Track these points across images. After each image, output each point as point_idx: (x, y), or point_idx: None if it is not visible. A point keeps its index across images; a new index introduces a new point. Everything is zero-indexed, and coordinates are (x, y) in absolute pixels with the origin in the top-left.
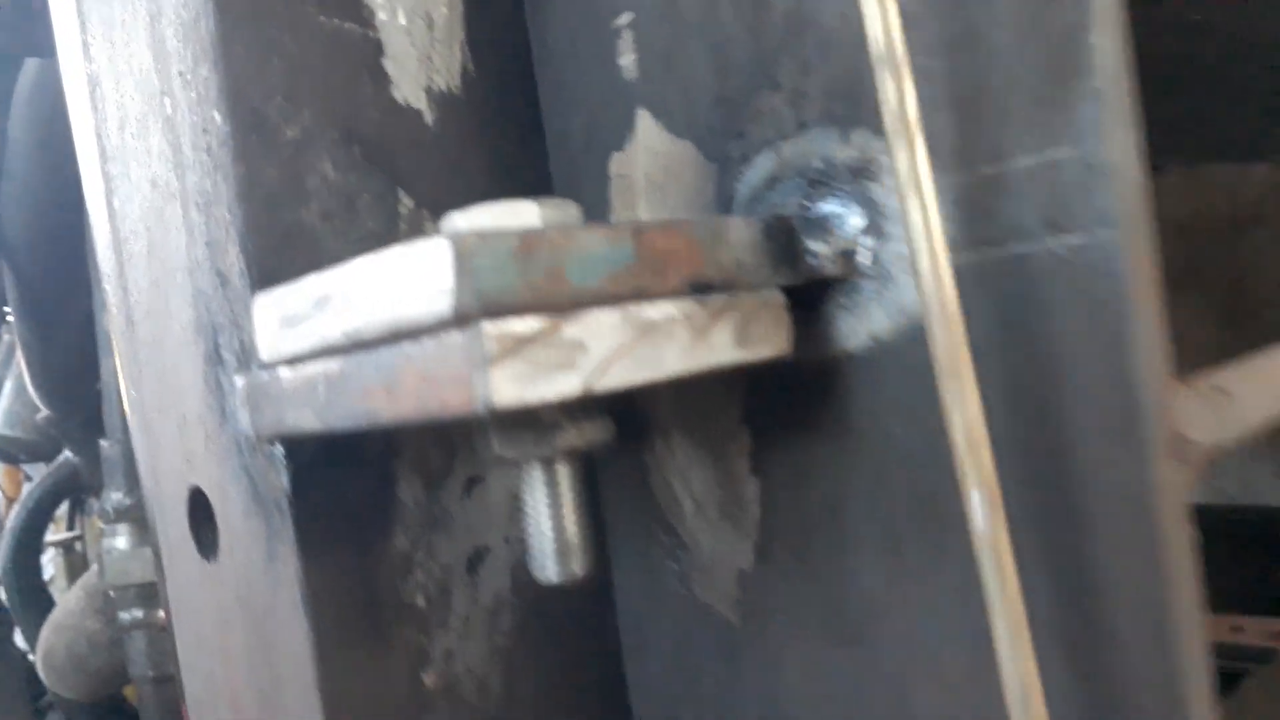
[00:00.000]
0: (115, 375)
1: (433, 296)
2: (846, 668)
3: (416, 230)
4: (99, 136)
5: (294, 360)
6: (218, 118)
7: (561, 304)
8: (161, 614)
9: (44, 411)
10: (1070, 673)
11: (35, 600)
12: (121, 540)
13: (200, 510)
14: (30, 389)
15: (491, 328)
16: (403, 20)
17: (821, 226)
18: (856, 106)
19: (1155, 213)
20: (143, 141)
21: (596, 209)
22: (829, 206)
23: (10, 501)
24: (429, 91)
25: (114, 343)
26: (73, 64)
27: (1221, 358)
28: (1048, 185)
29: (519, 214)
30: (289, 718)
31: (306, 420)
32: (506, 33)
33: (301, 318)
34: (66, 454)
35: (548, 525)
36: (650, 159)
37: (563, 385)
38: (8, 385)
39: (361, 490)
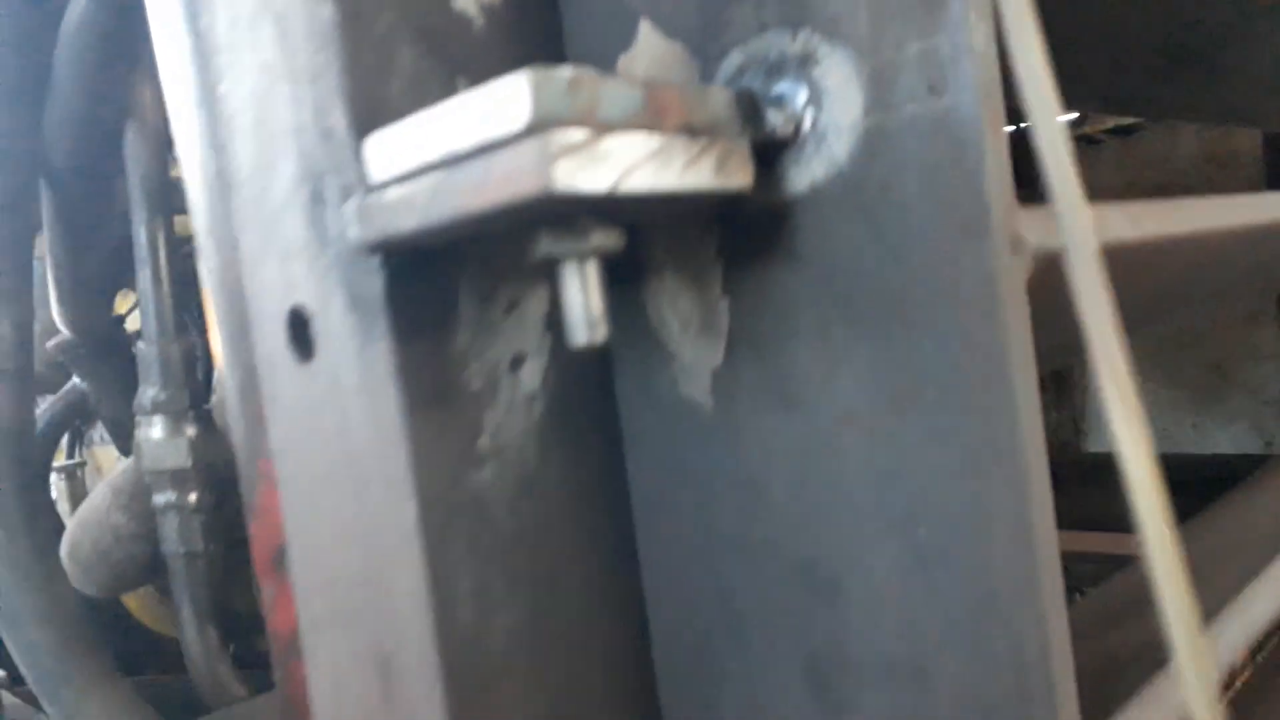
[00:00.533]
0: (152, 284)
1: (513, 116)
2: (790, 428)
3: None
4: (202, 36)
5: (400, 179)
6: (326, 12)
7: (596, 127)
8: (193, 496)
9: (53, 339)
10: (910, 417)
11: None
12: (157, 430)
13: (298, 324)
14: (54, 309)
15: (552, 136)
16: None
17: (777, 102)
18: (804, 11)
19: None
20: (253, 34)
21: None
22: (781, 87)
23: None
24: (480, 5)
25: (198, 219)
26: None
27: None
28: (931, 63)
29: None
30: (378, 472)
31: (408, 223)
32: None
33: (407, 147)
34: (74, 381)
35: (579, 305)
36: (649, 57)
37: (598, 181)
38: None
39: (433, 298)
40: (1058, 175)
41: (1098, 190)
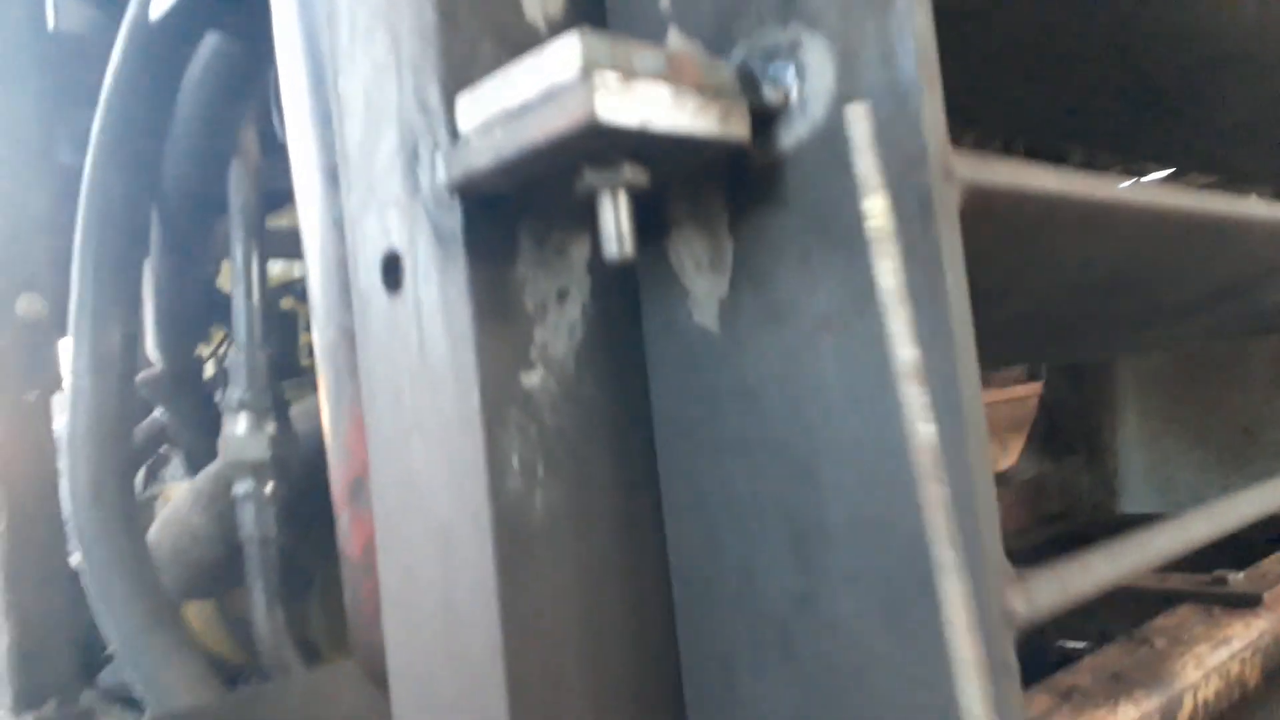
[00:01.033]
0: (244, 299)
1: (568, 64)
2: (780, 339)
3: None
4: (321, 48)
5: (481, 128)
6: (430, 16)
7: (630, 76)
8: (269, 487)
9: (141, 375)
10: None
11: None
12: (241, 426)
13: (390, 263)
14: (150, 336)
15: (597, 78)
16: None
17: (772, 79)
18: (791, 7)
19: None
20: (368, 38)
21: None
22: (775, 68)
23: None
24: (544, 16)
25: (307, 200)
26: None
27: None
28: (884, 40)
29: None
30: (449, 372)
31: (486, 160)
32: None
33: (487, 100)
34: (154, 414)
35: (613, 226)
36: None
37: (630, 117)
38: None
39: (499, 235)
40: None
41: None
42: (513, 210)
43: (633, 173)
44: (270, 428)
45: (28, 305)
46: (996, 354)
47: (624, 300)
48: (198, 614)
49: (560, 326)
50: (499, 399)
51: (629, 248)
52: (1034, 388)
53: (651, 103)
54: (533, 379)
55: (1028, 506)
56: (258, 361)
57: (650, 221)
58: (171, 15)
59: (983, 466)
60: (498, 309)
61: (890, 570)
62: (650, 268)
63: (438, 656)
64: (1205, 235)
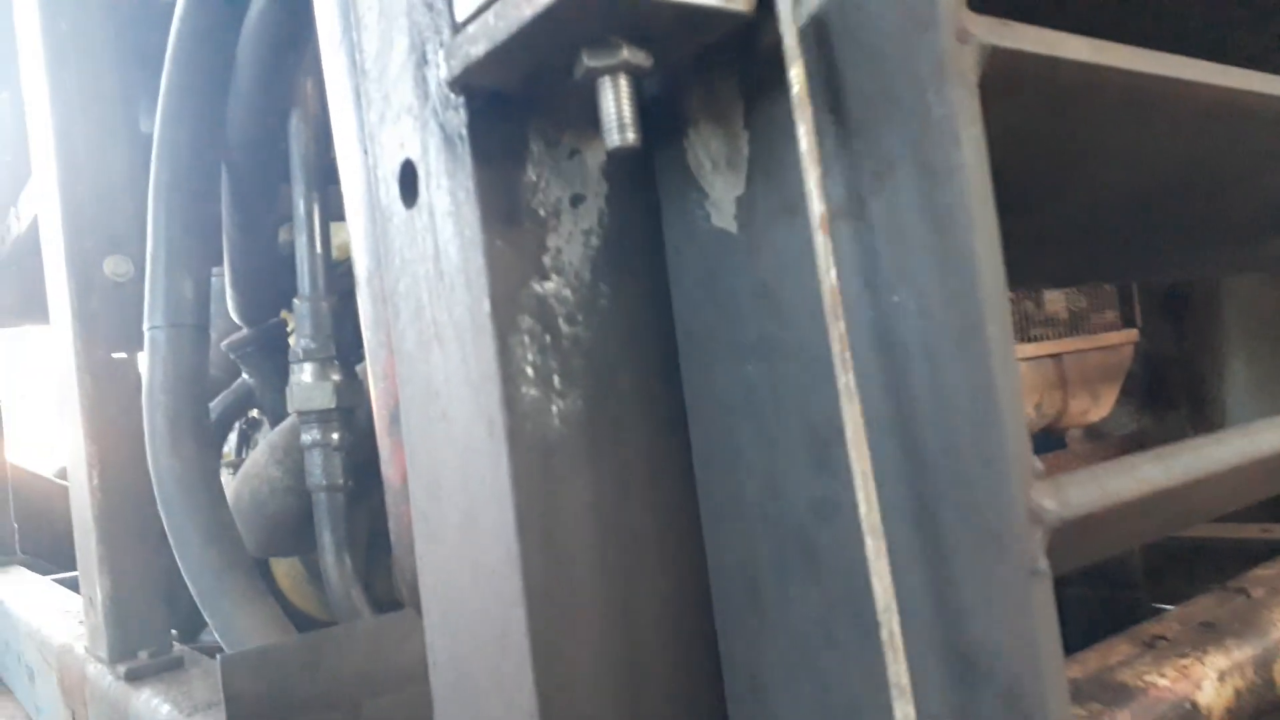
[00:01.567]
0: (307, 248)
1: None
2: (794, 233)
3: None
4: None
5: (476, 13)
6: None
7: None
8: (335, 435)
9: (226, 339)
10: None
11: None
12: (307, 375)
13: (407, 174)
14: (229, 296)
15: None
16: None
17: None
18: None
19: None
20: None
21: None
22: None
23: None
24: None
25: (343, 132)
26: None
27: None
28: None
29: None
30: (461, 279)
31: (482, 47)
32: None
33: None
34: (243, 378)
35: (613, 112)
36: None
37: None
38: None
39: (507, 135)
40: None
41: None
42: (520, 110)
43: (631, 54)
44: (335, 376)
45: (114, 266)
46: (1040, 268)
47: (644, 209)
48: (286, 572)
49: (575, 234)
50: (511, 306)
51: (631, 135)
52: (1128, 334)
53: None
54: (547, 286)
55: None
56: (321, 311)
57: (667, 124)
58: None
59: (1004, 354)
60: (507, 213)
61: (908, 472)
62: (668, 172)
63: (462, 569)
64: None
